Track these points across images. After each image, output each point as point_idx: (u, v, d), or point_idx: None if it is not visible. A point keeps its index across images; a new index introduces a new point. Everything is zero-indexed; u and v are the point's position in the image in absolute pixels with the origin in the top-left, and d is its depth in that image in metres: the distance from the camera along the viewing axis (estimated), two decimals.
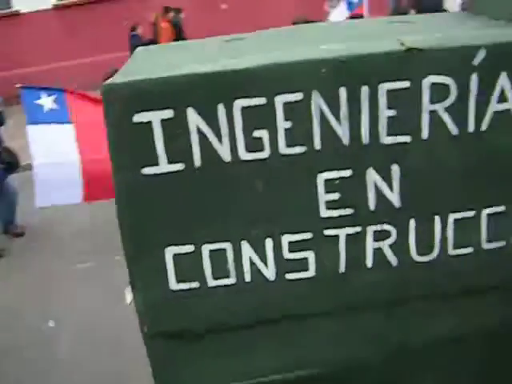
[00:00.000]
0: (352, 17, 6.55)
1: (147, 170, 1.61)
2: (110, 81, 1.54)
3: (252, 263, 1.75)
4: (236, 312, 1.79)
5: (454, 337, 1.90)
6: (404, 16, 2.75)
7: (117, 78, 1.56)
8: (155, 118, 1.55)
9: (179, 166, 1.61)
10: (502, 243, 1.82)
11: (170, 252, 1.71)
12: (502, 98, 1.66)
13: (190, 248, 1.71)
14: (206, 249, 1.72)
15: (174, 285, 1.74)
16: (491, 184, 1.76)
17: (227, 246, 1.72)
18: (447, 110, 1.64)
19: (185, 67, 1.57)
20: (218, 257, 1.73)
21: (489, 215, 1.78)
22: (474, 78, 1.62)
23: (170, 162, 1.60)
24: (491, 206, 1.78)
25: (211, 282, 1.76)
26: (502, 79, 1.63)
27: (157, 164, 1.60)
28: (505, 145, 1.72)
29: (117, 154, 1.60)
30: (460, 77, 1.61)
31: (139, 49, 2.19)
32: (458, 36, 1.67)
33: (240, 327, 1.82)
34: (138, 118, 1.54)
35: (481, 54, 1.60)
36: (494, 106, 1.66)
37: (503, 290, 1.87)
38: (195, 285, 1.75)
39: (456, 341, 1.91)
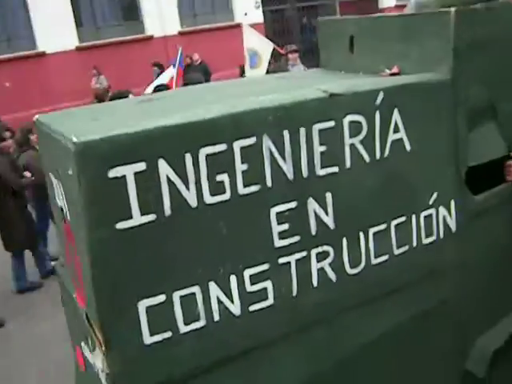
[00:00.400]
0: (159, 87, 6.80)
1: (121, 225, 1.61)
2: (80, 138, 1.53)
3: (220, 302, 1.83)
4: (207, 353, 1.84)
5: (382, 334, 2.21)
6: (287, 73, 3.14)
7: (83, 136, 1.55)
8: (129, 171, 1.59)
9: (151, 217, 1.65)
10: (406, 247, 2.21)
11: (143, 305, 1.70)
12: (396, 129, 2.06)
13: (161, 298, 1.73)
14: (176, 296, 1.76)
15: (147, 339, 1.73)
16: (395, 199, 2.14)
17: (196, 289, 1.78)
18: (361, 142, 1.99)
19: (149, 121, 1.64)
20: (188, 302, 1.78)
21: (395, 226, 2.16)
22: (377, 114, 2.00)
23: (143, 213, 1.64)
24: (396, 218, 2.15)
25: (183, 329, 1.78)
26: (395, 114, 2.04)
27: (130, 217, 1.62)
28: (401, 166, 2.12)
29: (91, 212, 1.58)
30: (368, 115, 1.98)
31: (44, 117, 2.16)
32: (359, 83, 2.04)
33: (211, 367, 1.86)
34: (113, 173, 1.56)
35: (380, 96, 1.98)
36: (392, 136, 2.06)
37: (412, 285, 2.24)
38: (168, 334, 1.76)
39: (384, 338, 2.21)
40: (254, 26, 16.36)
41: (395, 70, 2.36)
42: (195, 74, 10.37)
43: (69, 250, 2.12)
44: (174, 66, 7.70)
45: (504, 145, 2.42)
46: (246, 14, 16.74)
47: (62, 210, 2.05)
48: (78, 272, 1.97)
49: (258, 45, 8.56)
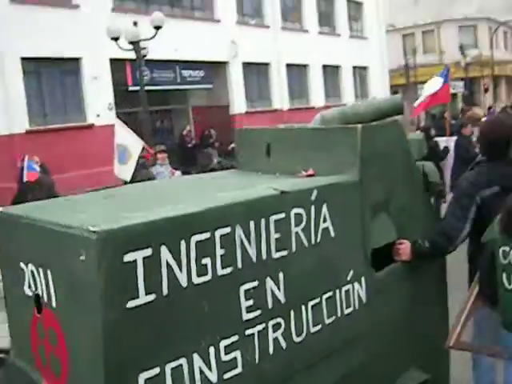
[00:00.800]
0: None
1: (130, 304, 1.89)
2: (101, 227, 1.83)
3: (201, 372, 2.13)
4: None
5: None
6: (217, 173, 3.59)
7: (102, 225, 1.85)
8: (139, 256, 1.90)
9: (153, 297, 1.96)
10: (333, 317, 2.71)
11: (142, 378, 1.95)
12: (325, 219, 2.63)
13: (156, 370, 2.00)
14: (168, 368, 2.03)
15: None
16: (325, 277, 2.66)
17: (183, 361, 2.08)
18: (302, 230, 2.51)
19: (151, 212, 2.00)
20: (176, 373, 2.06)
21: (326, 299, 2.66)
22: (313, 208, 2.55)
23: (147, 293, 1.94)
24: (327, 292, 2.66)
25: None
26: (324, 207, 2.62)
27: (138, 297, 1.91)
28: (328, 249, 2.66)
29: (108, 294, 1.84)
30: (307, 208, 2.52)
31: (14, 208, 2.37)
32: (299, 183, 2.60)
33: None
34: (128, 257, 1.87)
35: (315, 193, 2.55)
36: (322, 225, 2.61)
37: (338, 351, 2.72)
38: None
39: None
40: (106, 127, 16.87)
41: (311, 172, 2.96)
42: (44, 176, 10.36)
43: (40, 338, 2.26)
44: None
45: (395, 231, 3.11)
46: (98, 116, 17.17)
47: (37, 298, 2.22)
48: (59, 357, 2.14)
49: (129, 141, 8.94)
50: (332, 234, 2.68)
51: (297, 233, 2.49)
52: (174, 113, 21.12)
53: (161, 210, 2.07)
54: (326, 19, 26.97)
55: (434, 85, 10.75)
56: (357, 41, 28.65)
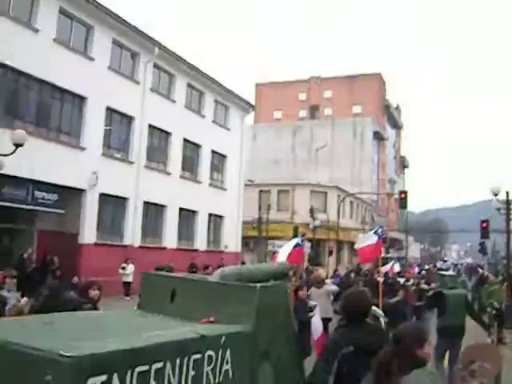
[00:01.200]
0: None
1: None
2: (74, 352, 2.36)
3: None
4: None
5: None
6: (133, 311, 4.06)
7: (73, 350, 2.37)
8: (98, 381, 2.42)
9: None
10: None
11: None
12: (227, 362, 3.31)
13: None
14: None
15: None
16: None
17: None
18: (211, 370, 3.16)
19: (113, 343, 2.56)
20: None
21: None
22: (220, 351, 3.23)
23: None
24: None
25: None
26: (228, 352, 3.31)
27: None
28: None
29: None
30: (217, 351, 3.20)
31: None
32: (211, 329, 3.29)
33: None
34: (90, 382, 2.38)
35: (223, 338, 3.25)
36: (224, 367, 3.29)
37: None
38: None
39: None
40: None
41: (212, 319, 3.67)
42: None
43: None
44: None
45: (273, 380, 3.85)
46: None
47: None
48: None
49: None
50: (230, 376, 3.35)
51: (207, 372, 3.13)
52: (18, 233, 20.58)
53: (115, 341, 2.63)
54: (189, 165, 29.00)
55: (287, 249, 12.11)
56: (216, 190, 30.89)
